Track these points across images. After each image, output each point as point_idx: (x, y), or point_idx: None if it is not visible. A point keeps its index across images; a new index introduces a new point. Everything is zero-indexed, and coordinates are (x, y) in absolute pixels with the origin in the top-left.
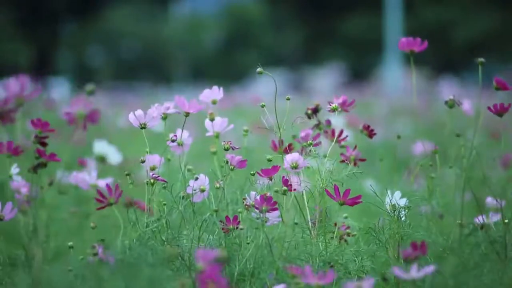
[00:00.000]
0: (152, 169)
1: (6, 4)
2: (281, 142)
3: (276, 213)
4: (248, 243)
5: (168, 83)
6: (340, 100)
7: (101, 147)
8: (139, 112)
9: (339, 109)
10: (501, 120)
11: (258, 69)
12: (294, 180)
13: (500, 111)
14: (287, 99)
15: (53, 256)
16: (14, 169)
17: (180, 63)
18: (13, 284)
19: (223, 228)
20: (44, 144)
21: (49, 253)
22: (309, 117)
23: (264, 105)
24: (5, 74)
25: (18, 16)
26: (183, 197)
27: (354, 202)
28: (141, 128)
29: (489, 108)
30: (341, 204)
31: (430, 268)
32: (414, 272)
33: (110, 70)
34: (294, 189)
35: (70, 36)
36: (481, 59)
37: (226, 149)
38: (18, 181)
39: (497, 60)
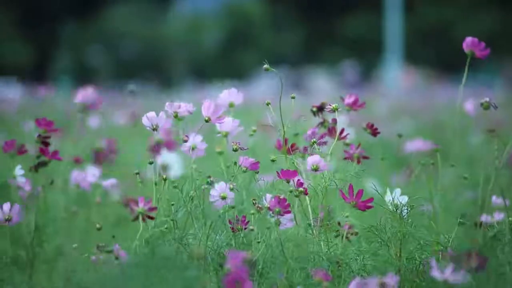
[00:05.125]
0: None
1: (6, 4)
2: (286, 141)
3: (290, 215)
4: (258, 243)
5: (168, 83)
6: (351, 100)
7: (167, 157)
8: (151, 114)
9: (341, 109)
10: (501, 119)
11: (265, 66)
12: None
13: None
14: (292, 98)
15: (53, 255)
16: (19, 170)
17: (180, 63)
18: (13, 284)
19: (232, 228)
20: (47, 144)
21: (50, 253)
22: (314, 115)
23: (269, 103)
24: (5, 74)
25: (18, 16)
26: (191, 198)
27: (365, 206)
28: (153, 130)
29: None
30: (353, 206)
31: (465, 275)
32: (448, 274)
33: (110, 70)
34: (306, 192)
35: (70, 36)
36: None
37: (235, 150)
38: (21, 181)
39: (497, 59)
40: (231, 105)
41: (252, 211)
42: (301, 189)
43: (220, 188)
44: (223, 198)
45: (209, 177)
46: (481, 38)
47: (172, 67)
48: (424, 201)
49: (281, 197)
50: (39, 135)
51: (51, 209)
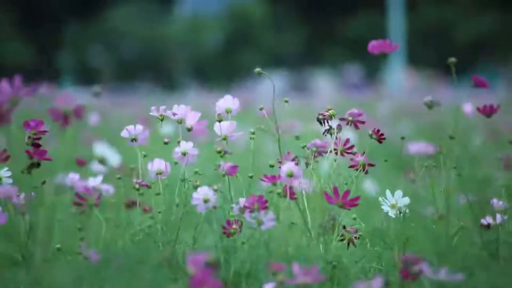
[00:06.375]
0: (158, 173)
1: (6, 4)
2: (289, 153)
3: (271, 215)
4: (243, 243)
5: (169, 83)
6: (355, 111)
7: (101, 149)
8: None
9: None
10: (503, 121)
11: (257, 69)
12: (295, 182)
13: (489, 112)
14: (285, 101)
15: (52, 256)
16: (5, 172)
17: (181, 63)
18: (12, 284)
19: (224, 232)
20: (38, 146)
21: (48, 253)
22: (321, 124)
23: (263, 108)
24: (6, 74)
25: (18, 16)
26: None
27: (352, 204)
28: (132, 140)
29: (478, 109)
30: (340, 206)
31: (459, 276)
32: (442, 275)
33: (111, 70)
34: (293, 196)
35: (71, 36)
36: (453, 60)
37: (219, 153)
38: (9, 185)
39: (498, 60)
40: (227, 111)
41: (231, 213)
42: (278, 190)
43: (202, 191)
44: (205, 201)
45: (196, 181)
46: (481, 38)
47: (173, 67)
48: (427, 203)
49: (258, 195)
50: (29, 137)
51: (49, 210)
